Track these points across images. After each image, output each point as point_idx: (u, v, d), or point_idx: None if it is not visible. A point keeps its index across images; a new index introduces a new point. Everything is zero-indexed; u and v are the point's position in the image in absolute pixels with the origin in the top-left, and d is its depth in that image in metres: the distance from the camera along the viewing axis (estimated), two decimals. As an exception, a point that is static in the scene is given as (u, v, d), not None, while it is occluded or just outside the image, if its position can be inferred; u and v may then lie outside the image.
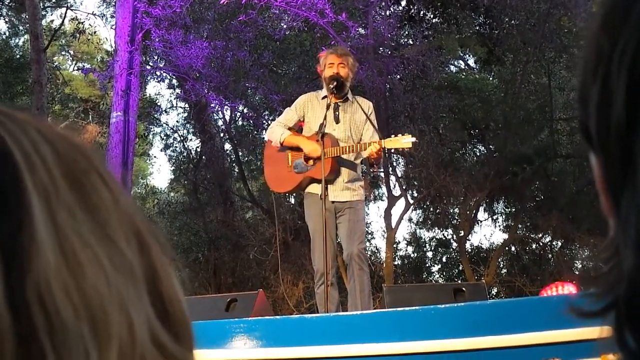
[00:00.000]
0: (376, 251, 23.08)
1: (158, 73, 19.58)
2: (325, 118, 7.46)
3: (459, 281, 22.42)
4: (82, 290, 0.67)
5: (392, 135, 7.47)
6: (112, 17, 22.71)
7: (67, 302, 0.67)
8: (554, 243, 22.54)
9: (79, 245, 0.69)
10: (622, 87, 0.81)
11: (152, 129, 24.96)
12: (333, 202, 7.54)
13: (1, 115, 0.74)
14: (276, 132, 7.89)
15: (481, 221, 22.89)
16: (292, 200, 20.90)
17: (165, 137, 24.26)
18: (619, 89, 0.81)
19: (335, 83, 7.58)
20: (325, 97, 7.80)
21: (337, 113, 7.72)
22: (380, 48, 17.97)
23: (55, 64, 28.19)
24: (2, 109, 0.75)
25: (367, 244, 22.75)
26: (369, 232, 23.08)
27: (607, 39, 0.85)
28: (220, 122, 22.72)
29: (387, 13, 18.09)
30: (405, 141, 7.23)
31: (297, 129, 7.96)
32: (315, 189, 7.65)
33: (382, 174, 19.39)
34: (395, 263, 21.67)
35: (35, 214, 0.68)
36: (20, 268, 0.66)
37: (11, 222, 0.67)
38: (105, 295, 0.69)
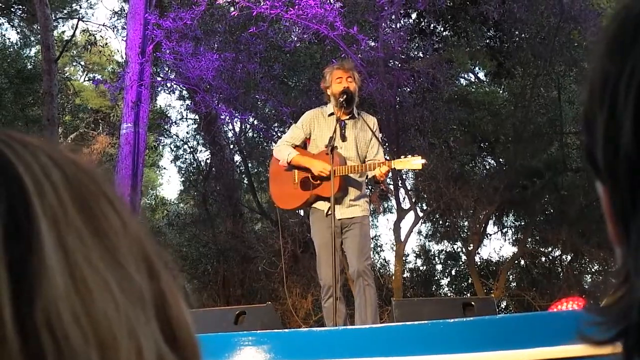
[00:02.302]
0: (385, 264, 23.06)
1: (168, 84, 19.63)
2: (334, 132, 7.46)
3: (468, 294, 22.40)
4: (91, 316, 0.68)
5: (402, 156, 7.49)
6: (123, 28, 22.76)
7: (76, 328, 0.67)
8: (563, 257, 22.49)
9: (88, 271, 0.69)
10: (630, 114, 0.81)
11: (162, 140, 24.98)
12: (339, 219, 7.54)
13: (12, 141, 0.74)
14: (283, 151, 7.87)
15: (490, 234, 22.87)
16: (302, 213, 20.88)
17: (175, 149, 24.32)
18: (626, 115, 0.81)
19: (345, 97, 7.55)
20: (332, 114, 7.78)
21: (343, 131, 7.71)
22: (391, 61, 17.97)
23: (66, 74, 28.25)
24: (13, 134, 0.76)
25: (376, 256, 22.77)
26: (378, 244, 23.11)
27: (613, 66, 0.84)
28: (230, 134, 22.74)
29: (398, 26, 18.08)
30: (415, 162, 7.25)
31: (303, 145, 7.94)
32: (321, 205, 7.67)
33: (391, 187, 19.37)
34: (404, 276, 21.62)
35: (45, 240, 0.68)
36: (30, 293, 0.66)
37: (21, 247, 0.67)
38: (114, 321, 0.69)
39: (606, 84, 0.85)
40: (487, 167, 22.66)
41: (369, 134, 7.74)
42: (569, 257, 22.35)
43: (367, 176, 7.75)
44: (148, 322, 0.73)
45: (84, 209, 0.72)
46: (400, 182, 19.49)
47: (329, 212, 7.48)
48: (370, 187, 8.12)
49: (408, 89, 18.55)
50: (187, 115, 23.14)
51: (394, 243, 19.65)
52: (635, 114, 0.80)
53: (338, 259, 7.45)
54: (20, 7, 26.10)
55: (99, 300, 0.68)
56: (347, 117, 7.78)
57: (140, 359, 0.70)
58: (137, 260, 0.75)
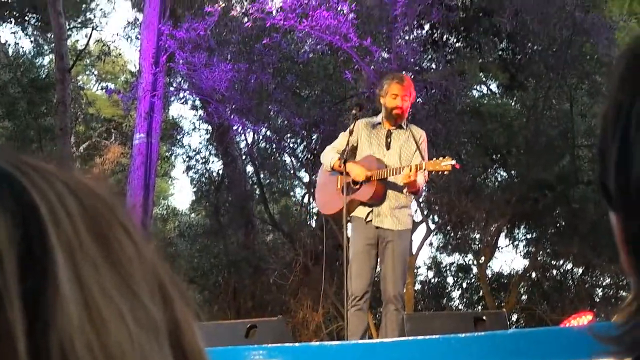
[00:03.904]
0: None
1: (181, 95, 19.66)
2: (347, 144, 7.60)
3: (479, 307, 22.41)
4: (105, 347, 0.67)
5: (434, 158, 7.58)
6: (137, 38, 22.82)
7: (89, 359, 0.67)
8: (574, 270, 22.47)
9: (102, 301, 0.69)
10: None
11: (175, 151, 24.99)
12: (377, 227, 7.62)
13: (28, 167, 0.74)
14: (327, 156, 8.04)
15: (502, 247, 22.82)
16: (313, 224, 20.87)
17: (187, 159, 24.26)
18: (637, 145, 0.81)
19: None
20: (380, 123, 7.93)
21: (389, 140, 7.86)
22: (404, 72, 17.95)
23: (79, 83, 28.31)
24: (29, 160, 0.76)
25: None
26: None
27: (625, 96, 0.85)
28: (242, 145, 22.78)
29: (411, 37, 18.09)
30: (445, 164, 7.29)
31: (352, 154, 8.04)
32: (360, 212, 7.76)
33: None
34: (415, 288, 21.60)
35: (60, 269, 0.68)
36: (44, 324, 0.66)
37: (36, 277, 0.67)
38: (128, 352, 0.68)
39: (619, 114, 0.85)
40: (499, 179, 22.61)
41: (414, 146, 7.80)
42: (580, 271, 22.34)
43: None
44: (161, 352, 0.72)
45: (99, 238, 0.72)
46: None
47: (368, 219, 7.66)
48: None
49: (420, 101, 18.54)
50: (199, 126, 23.16)
51: (406, 255, 19.61)
52: None
53: (369, 271, 7.69)
54: (35, 15, 26.20)
55: (113, 331, 0.68)
56: (394, 127, 7.90)
57: (154, 389, 0.70)
58: (151, 288, 0.74)
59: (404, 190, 7.71)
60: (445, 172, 7.59)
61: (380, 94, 7.94)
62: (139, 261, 0.75)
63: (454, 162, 7.33)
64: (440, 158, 7.42)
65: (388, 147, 7.83)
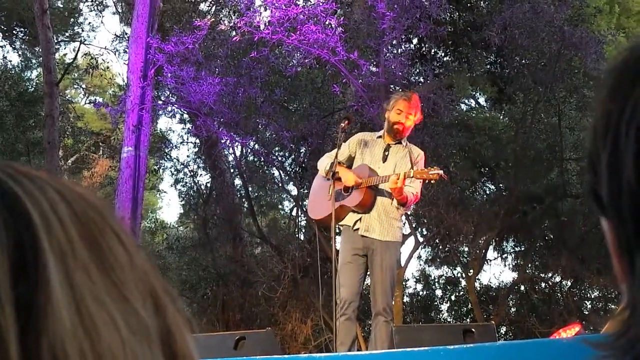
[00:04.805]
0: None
1: (169, 108, 19.63)
2: (335, 157, 7.63)
3: (468, 320, 22.40)
4: (97, 352, 0.68)
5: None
6: (125, 52, 22.83)
7: None
8: (563, 283, 22.47)
9: (94, 306, 0.69)
10: (631, 149, 0.82)
11: (163, 164, 24.93)
12: (364, 236, 7.64)
13: (20, 175, 0.74)
14: (324, 162, 8.16)
15: (490, 260, 22.82)
16: (302, 237, 20.84)
17: (175, 172, 24.24)
18: (628, 151, 0.83)
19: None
20: (381, 137, 8.06)
21: (386, 153, 7.95)
22: (392, 86, 17.95)
23: (67, 97, 28.27)
24: (21, 168, 0.76)
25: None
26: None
27: (615, 105, 0.86)
28: (230, 158, 22.72)
29: (399, 51, 18.09)
30: (432, 173, 7.32)
31: (348, 165, 8.10)
32: (348, 220, 7.83)
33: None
34: (404, 300, 21.57)
35: (52, 275, 0.68)
36: (36, 329, 0.66)
37: (28, 284, 0.67)
38: (120, 357, 0.69)
39: (609, 123, 0.87)
40: (487, 192, 22.64)
41: (410, 164, 7.84)
42: (568, 283, 22.33)
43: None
44: (153, 358, 0.73)
45: (91, 244, 0.72)
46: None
47: (355, 227, 7.72)
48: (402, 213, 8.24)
49: (409, 114, 18.49)
50: (187, 139, 23.10)
51: (394, 268, 19.58)
52: (637, 150, 0.82)
53: (356, 282, 7.75)
54: (22, 29, 26.17)
55: (105, 336, 0.68)
56: (394, 142, 7.98)
57: (146, 395, 0.70)
58: (143, 295, 0.75)
59: (393, 202, 7.73)
60: (433, 182, 7.63)
61: (387, 108, 8.05)
62: (130, 267, 0.75)
63: (441, 171, 7.37)
64: (429, 167, 7.47)
65: (384, 160, 7.91)
